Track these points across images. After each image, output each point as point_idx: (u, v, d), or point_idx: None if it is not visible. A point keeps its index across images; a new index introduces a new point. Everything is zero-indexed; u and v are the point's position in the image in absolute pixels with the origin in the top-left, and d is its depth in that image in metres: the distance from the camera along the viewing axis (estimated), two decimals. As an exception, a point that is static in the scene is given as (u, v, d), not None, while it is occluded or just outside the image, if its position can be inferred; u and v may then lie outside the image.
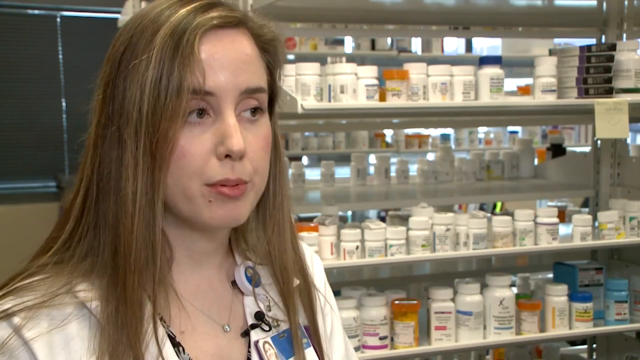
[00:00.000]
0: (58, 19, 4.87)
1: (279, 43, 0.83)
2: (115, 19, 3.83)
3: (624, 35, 2.23)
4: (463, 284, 1.87)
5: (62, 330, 0.72)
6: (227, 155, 0.75)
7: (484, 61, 1.88)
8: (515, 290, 2.13)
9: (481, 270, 2.37)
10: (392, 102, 1.74)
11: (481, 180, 2.45)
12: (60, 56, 4.89)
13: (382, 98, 1.75)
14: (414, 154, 4.08)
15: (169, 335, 0.77)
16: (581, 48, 1.92)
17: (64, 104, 4.91)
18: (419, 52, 4.67)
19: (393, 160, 2.49)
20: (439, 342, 1.82)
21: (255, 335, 0.84)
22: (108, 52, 0.79)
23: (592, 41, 2.29)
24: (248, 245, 0.89)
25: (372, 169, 2.61)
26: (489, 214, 1.97)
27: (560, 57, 1.94)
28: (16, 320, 0.71)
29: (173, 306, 0.79)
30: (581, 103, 1.88)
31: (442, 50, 4.68)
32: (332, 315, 0.96)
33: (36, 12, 4.85)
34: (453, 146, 4.23)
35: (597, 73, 1.88)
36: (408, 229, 1.78)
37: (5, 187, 4.76)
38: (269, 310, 0.86)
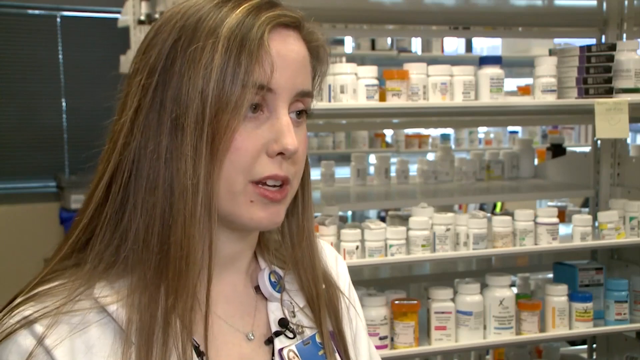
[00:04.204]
0: (58, 19, 4.87)
1: (325, 50, 0.82)
2: (115, 19, 3.83)
3: (624, 35, 2.23)
4: (463, 284, 1.87)
5: (83, 336, 0.71)
6: (279, 153, 0.74)
7: (484, 61, 1.88)
8: (515, 290, 2.14)
9: (481, 270, 2.37)
10: (392, 102, 1.74)
11: (481, 180, 2.45)
12: (60, 56, 4.89)
13: (382, 98, 1.75)
14: (414, 154, 4.07)
15: (192, 344, 0.74)
16: (581, 48, 1.92)
17: (64, 104, 4.91)
18: (419, 52, 4.67)
19: (393, 160, 2.49)
20: (439, 342, 1.82)
21: (279, 343, 0.81)
22: (147, 38, 0.76)
23: (592, 41, 2.29)
24: (270, 250, 0.87)
25: (372, 169, 2.62)
26: (489, 214, 1.97)
27: (560, 57, 1.94)
28: (38, 328, 0.69)
29: (195, 313, 0.75)
30: (581, 103, 1.88)
31: (442, 50, 4.68)
32: (357, 319, 0.94)
33: (36, 12, 4.85)
34: (453, 146, 4.23)
35: (597, 73, 1.88)
36: (408, 229, 1.78)
37: (5, 187, 4.76)
38: (293, 317, 0.84)
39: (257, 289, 0.84)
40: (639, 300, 2.04)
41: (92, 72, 4.90)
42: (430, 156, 4.00)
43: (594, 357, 2.45)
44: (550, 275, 2.27)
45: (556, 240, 1.88)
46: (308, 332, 0.84)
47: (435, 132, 4.46)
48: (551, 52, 2.02)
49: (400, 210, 2.60)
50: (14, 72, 4.79)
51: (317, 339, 0.84)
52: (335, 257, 0.96)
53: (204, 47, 0.71)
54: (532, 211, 1.88)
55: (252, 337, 0.81)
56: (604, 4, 2.26)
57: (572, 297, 1.94)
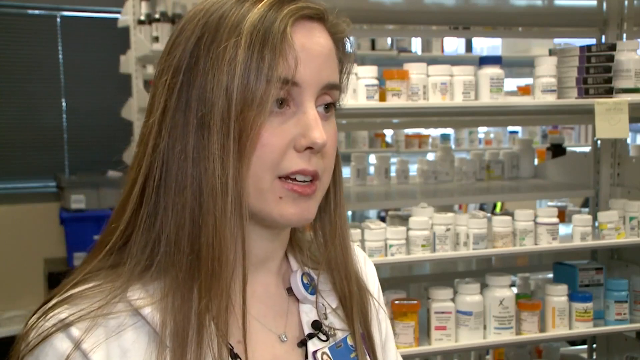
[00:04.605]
0: (58, 19, 4.87)
1: (350, 41, 0.81)
2: (115, 19, 3.83)
3: (624, 35, 2.23)
4: (463, 284, 1.87)
5: (119, 340, 0.70)
6: (307, 148, 0.72)
7: (484, 61, 1.88)
8: (515, 290, 2.13)
9: (481, 270, 2.37)
10: (392, 102, 1.74)
11: (481, 180, 2.45)
12: (60, 56, 4.89)
13: (382, 98, 1.75)
14: (414, 154, 4.08)
15: (226, 346, 0.73)
16: (581, 48, 1.92)
17: (64, 104, 4.91)
18: (419, 52, 4.66)
19: (393, 160, 2.49)
20: (439, 342, 1.82)
21: (312, 345, 0.80)
22: (172, 38, 0.75)
23: (592, 41, 2.29)
24: (303, 250, 0.86)
25: (372, 169, 2.62)
26: (489, 214, 1.97)
27: (560, 57, 1.94)
28: (74, 331, 0.69)
29: (229, 313, 0.73)
30: (581, 103, 1.88)
31: (442, 50, 4.68)
32: (387, 322, 0.93)
33: (36, 12, 4.84)
34: (453, 146, 4.23)
35: (597, 73, 1.88)
36: (408, 229, 1.78)
37: (5, 187, 4.76)
38: (326, 319, 0.83)
39: (289, 290, 0.83)
40: (639, 300, 2.04)
41: (92, 72, 4.90)
42: (430, 156, 4.00)
43: (594, 357, 2.45)
44: (550, 275, 2.27)
45: (556, 240, 1.88)
46: (340, 334, 0.83)
47: (435, 132, 4.46)
48: (551, 52, 2.02)
49: (400, 210, 2.60)
50: (14, 72, 4.79)
51: (349, 342, 0.83)
52: (364, 259, 0.94)
53: (227, 43, 0.70)
54: (532, 211, 1.88)
55: (285, 339, 0.80)
56: (604, 4, 2.26)
57: (572, 297, 1.94)
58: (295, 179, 0.73)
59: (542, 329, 1.92)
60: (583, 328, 1.94)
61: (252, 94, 0.69)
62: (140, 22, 3.37)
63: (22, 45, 4.80)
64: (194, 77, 0.71)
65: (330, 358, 0.80)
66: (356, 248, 0.93)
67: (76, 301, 0.71)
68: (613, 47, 1.90)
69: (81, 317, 0.69)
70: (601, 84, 1.88)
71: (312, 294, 0.83)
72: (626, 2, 2.22)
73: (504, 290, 1.87)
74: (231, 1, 0.73)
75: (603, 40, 2.27)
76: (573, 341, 2.82)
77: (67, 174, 4.88)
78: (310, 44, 0.73)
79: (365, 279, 0.90)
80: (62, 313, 0.70)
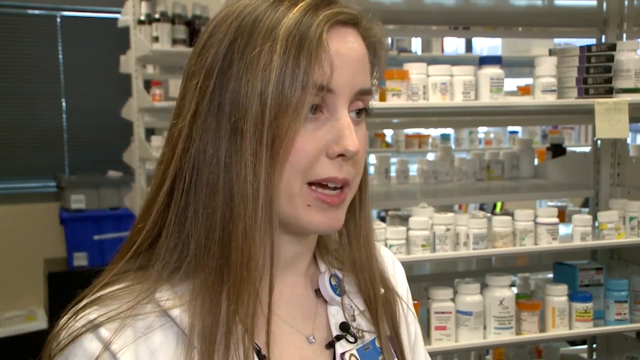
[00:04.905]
0: (58, 19, 4.87)
1: (382, 46, 0.80)
2: (115, 19, 3.83)
3: (624, 35, 2.23)
4: (463, 284, 1.87)
5: (147, 341, 0.70)
6: (339, 155, 0.72)
7: (484, 61, 1.88)
8: (515, 290, 2.13)
9: (481, 270, 2.37)
10: (392, 102, 1.74)
11: (481, 180, 2.45)
12: (60, 56, 4.89)
13: (382, 98, 1.75)
14: (414, 154, 4.07)
15: (254, 348, 0.73)
16: (581, 48, 1.92)
17: (64, 104, 4.91)
18: (419, 52, 4.66)
19: (393, 160, 2.49)
20: (439, 342, 1.82)
21: (340, 347, 0.80)
22: (202, 40, 0.75)
23: (592, 41, 2.29)
24: (330, 251, 0.86)
25: (372, 169, 2.61)
26: (489, 214, 1.97)
27: (560, 57, 1.94)
28: (103, 332, 0.69)
29: (258, 316, 0.73)
30: (581, 103, 1.88)
31: (442, 50, 4.67)
32: (416, 325, 0.93)
33: (36, 12, 4.84)
34: (453, 146, 4.23)
35: (597, 73, 1.88)
36: (408, 229, 1.78)
37: (5, 187, 4.76)
38: (353, 320, 0.83)
39: (317, 291, 0.83)
40: (639, 300, 2.04)
41: (92, 72, 4.90)
42: (430, 156, 4.00)
43: (594, 357, 2.45)
44: (550, 275, 2.27)
45: (556, 240, 1.88)
46: (368, 336, 0.83)
47: (435, 132, 4.46)
48: (551, 52, 2.02)
49: (400, 210, 2.60)
50: (14, 72, 4.79)
51: (377, 343, 0.83)
52: (393, 260, 0.94)
53: (262, 48, 0.70)
54: (532, 211, 1.88)
55: (314, 340, 0.80)
56: (604, 4, 2.26)
57: (572, 297, 1.94)
58: (326, 186, 0.73)
59: (542, 329, 1.92)
60: (583, 328, 1.94)
61: (287, 100, 0.69)
62: (140, 22, 3.37)
63: (22, 45, 4.80)
64: (227, 81, 0.71)
65: None
66: (384, 249, 0.93)
67: (105, 302, 0.71)
68: (613, 47, 1.90)
69: (110, 318, 0.70)
70: (601, 84, 1.88)
71: (339, 295, 0.83)
72: (626, 2, 2.22)
73: (504, 290, 1.87)
74: (265, 4, 0.72)
75: (603, 40, 2.27)
76: (573, 341, 2.82)
77: (67, 174, 4.88)
78: (344, 50, 0.73)
79: (394, 280, 0.90)
80: (92, 314, 0.70)
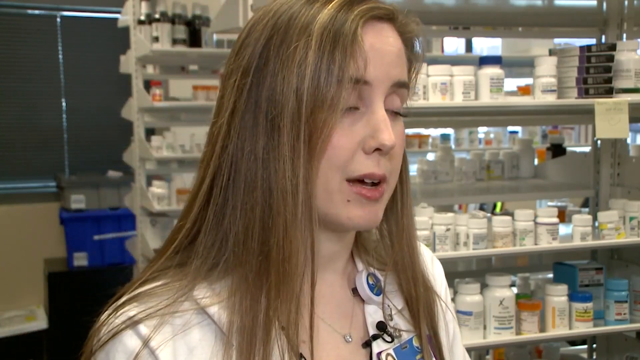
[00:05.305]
0: (58, 19, 4.87)
1: (419, 40, 0.80)
2: (115, 19, 3.83)
3: (624, 35, 2.23)
4: (463, 284, 1.87)
5: (185, 338, 0.70)
6: (375, 149, 0.72)
7: (484, 61, 1.88)
8: (515, 290, 2.13)
9: (481, 270, 2.37)
10: (392, 102, 1.74)
11: (481, 180, 2.45)
12: (60, 56, 4.89)
13: (382, 98, 1.75)
14: (414, 154, 4.07)
15: (292, 346, 0.72)
16: (581, 48, 1.92)
17: (64, 104, 4.91)
18: (419, 52, 4.66)
19: (393, 160, 2.48)
20: (439, 342, 1.82)
21: (377, 346, 0.80)
22: (240, 39, 0.75)
23: (592, 41, 2.29)
24: (369, 250, 0.85)
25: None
26: (489, 214, 1.97)
27: (560, 57, 1.94)
28: (142, 328, 0.70)
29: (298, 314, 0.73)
30: (581, 103, 1.88)
31: (442, 50, 4.68)
32: (455, 324, 0.93)
33: (36, 12, 4.84)
34: (453, 146, 4.22)
35: (597, 73, 1.88)
36: (408, 229, 1.78)
37: (5, 187, 4.76)
38: (391, 320, 0.82)
39: (355, 290, 0.83)
40: (639, 300, 2.04)
41: (92, 72, 4.90)
42: (430, 156, 4.00)
43: (594, 357, 2.45)
44: (550, 275, 2.27)
45: (556, 240, 1.88)
46: (405, 336, 0.82)
47: (435, 132, 4.46)
48: (551, 52, 2.02)
49: (400, 210, 2.59)
50: (14, 72, 4.79)
51: (415, 343, 0.83)
52: (432, 259, 0.93)
53: (297, 45, 0.70)
54: (532, 211, 1.88)
55: (350, 339, 0.80)
56: (604, 4, 2.26)
57: (572, 297, 1.94)
58: (363, 181, 0.73)
59: (542, 329, 1.92)
60: (583, 328, 1.94)
61: (322, 96, 0.69)
62: (140, 22, 3.37)
63: (22, 45, 4.80)
64: (264, 78, 0.71)
65: (394, 359, 0.80)
66: (423, 247, 0.92)
67: (144, 299, 0.72)
68: (613, 47, 1.90)
69: (149, 315, 0.70)
70: (601, 84, 1.88)
71: (377, 294, 0.82)
72: (626, 2, 2.22)
73: (504, 290, 1.87)
74: (300, 2, 0.73)
75: (603, 40, 2.26)
76: (573, 341, 2.82)
77: (67, 174, 4.88)
78: (379, 44, 0.73)
79: (433, 279, 0.89)
80: (131, 311, 0.71)
